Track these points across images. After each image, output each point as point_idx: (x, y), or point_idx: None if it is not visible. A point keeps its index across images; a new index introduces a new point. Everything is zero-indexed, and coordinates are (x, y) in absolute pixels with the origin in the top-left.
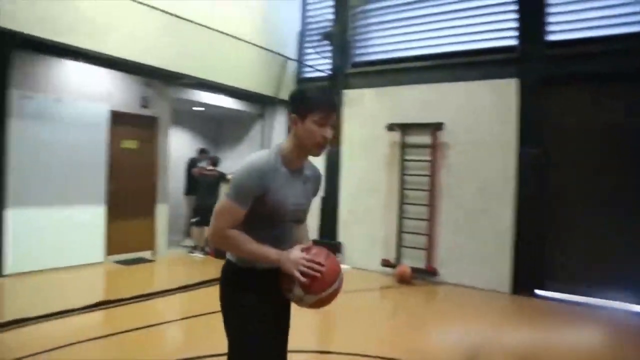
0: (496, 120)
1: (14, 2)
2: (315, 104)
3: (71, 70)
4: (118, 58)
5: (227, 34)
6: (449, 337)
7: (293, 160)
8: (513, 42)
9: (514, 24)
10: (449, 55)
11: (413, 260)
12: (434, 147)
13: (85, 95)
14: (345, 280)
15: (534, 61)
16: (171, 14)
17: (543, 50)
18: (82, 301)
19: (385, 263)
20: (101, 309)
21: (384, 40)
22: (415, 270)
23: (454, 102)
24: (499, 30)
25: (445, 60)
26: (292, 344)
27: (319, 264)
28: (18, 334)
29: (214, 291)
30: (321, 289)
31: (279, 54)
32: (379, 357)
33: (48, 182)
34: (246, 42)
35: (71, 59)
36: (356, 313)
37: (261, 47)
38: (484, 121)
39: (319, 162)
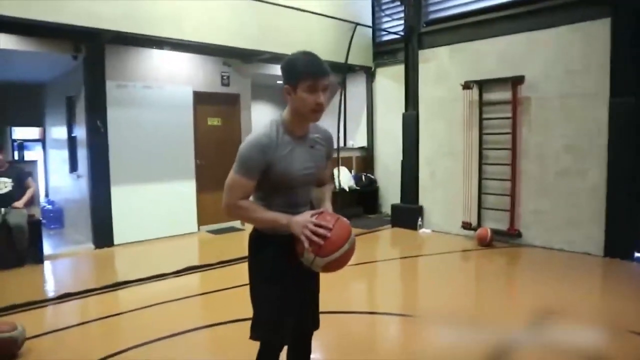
0: (584, 69)
1: (102, 5)
2: (301, 73)
3: (156, 59)
4: (197, 42)
5: (300, 9)
6: (539, 301)
7: (294, 128)
8: None
9: None
10: (527, 1)
11: (495, 222)
12: (514, 103)
13: (171, 80)
14: (427, 243)
15: None
16: None
17: None
18: (176, 266)
19: (466, 225)
20: (190, 273)
21: None
22: (497, 232)
23: (535, 53)
24: None
25: (524, 8)
26: (376, 307)
27: (326, 227)
28: (125, 293)
29: None
30: (329, 251)
31: (351, 21)
32: (461, 322)
33: (143, 161)
34: (319, 14)
35: (155, 48)
36: (437, 276)
37: (333, 18)
38: (569, 70)
39: (397, 128)
